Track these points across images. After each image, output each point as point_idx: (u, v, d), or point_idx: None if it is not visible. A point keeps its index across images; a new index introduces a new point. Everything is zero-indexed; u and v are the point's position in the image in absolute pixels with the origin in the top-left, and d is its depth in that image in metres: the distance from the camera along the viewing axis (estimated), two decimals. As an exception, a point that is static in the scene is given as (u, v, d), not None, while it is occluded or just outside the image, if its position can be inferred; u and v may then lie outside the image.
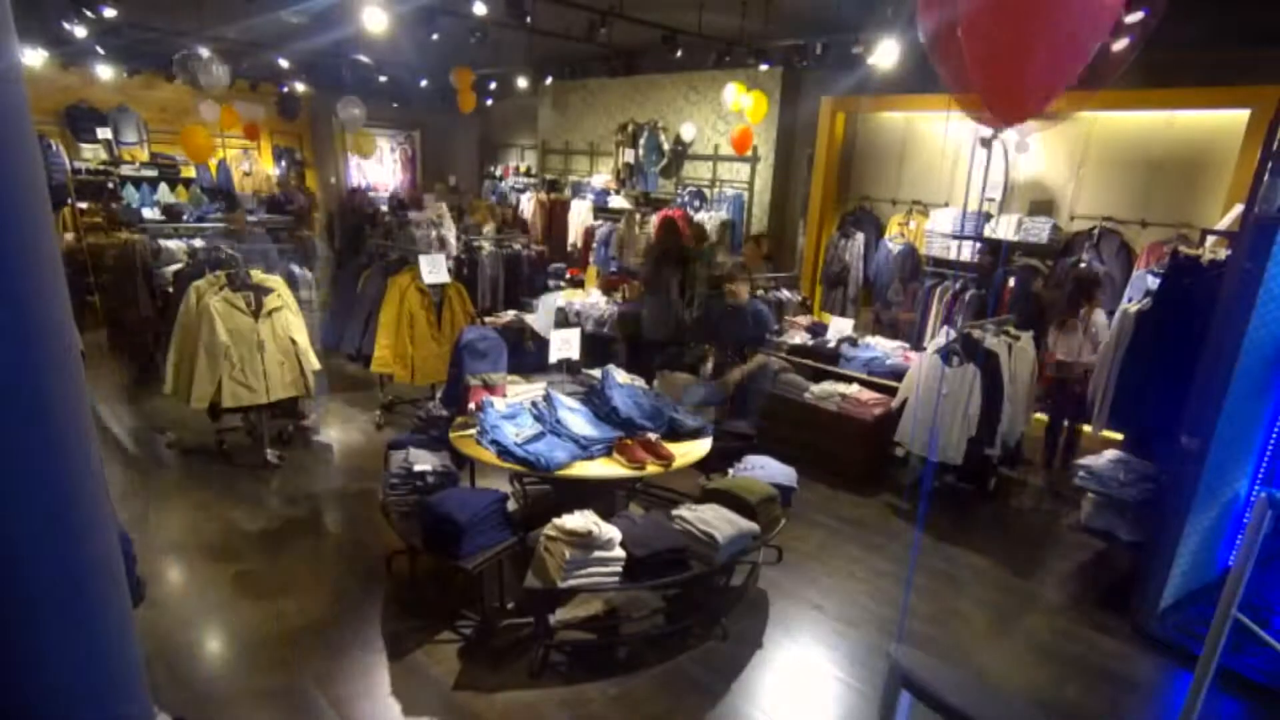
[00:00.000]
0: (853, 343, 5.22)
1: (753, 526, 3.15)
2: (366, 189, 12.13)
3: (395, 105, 11.11)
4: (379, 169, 13.27)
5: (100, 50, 8.10)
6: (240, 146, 10.89)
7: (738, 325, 4.70)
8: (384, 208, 9.64)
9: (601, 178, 9.10)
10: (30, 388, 0.62)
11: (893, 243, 6.49)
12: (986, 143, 2.89)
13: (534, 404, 3.46)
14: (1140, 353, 3.54)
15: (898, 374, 4.80)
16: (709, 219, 7.44)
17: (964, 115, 2.36)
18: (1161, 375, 3.44)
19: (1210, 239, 3.69)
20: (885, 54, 5.32)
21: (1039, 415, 5.04)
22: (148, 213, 8.05)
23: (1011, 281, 5.48)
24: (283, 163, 11.82)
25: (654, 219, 7.34)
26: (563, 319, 6.32)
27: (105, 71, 8.80)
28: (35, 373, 0.62)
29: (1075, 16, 1.83)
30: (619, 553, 2.87)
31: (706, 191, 8.01)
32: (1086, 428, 4.59)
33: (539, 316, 6.32)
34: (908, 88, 5.80)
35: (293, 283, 5.08)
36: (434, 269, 4.91)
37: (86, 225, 7.92)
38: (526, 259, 7.41)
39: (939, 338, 4.45)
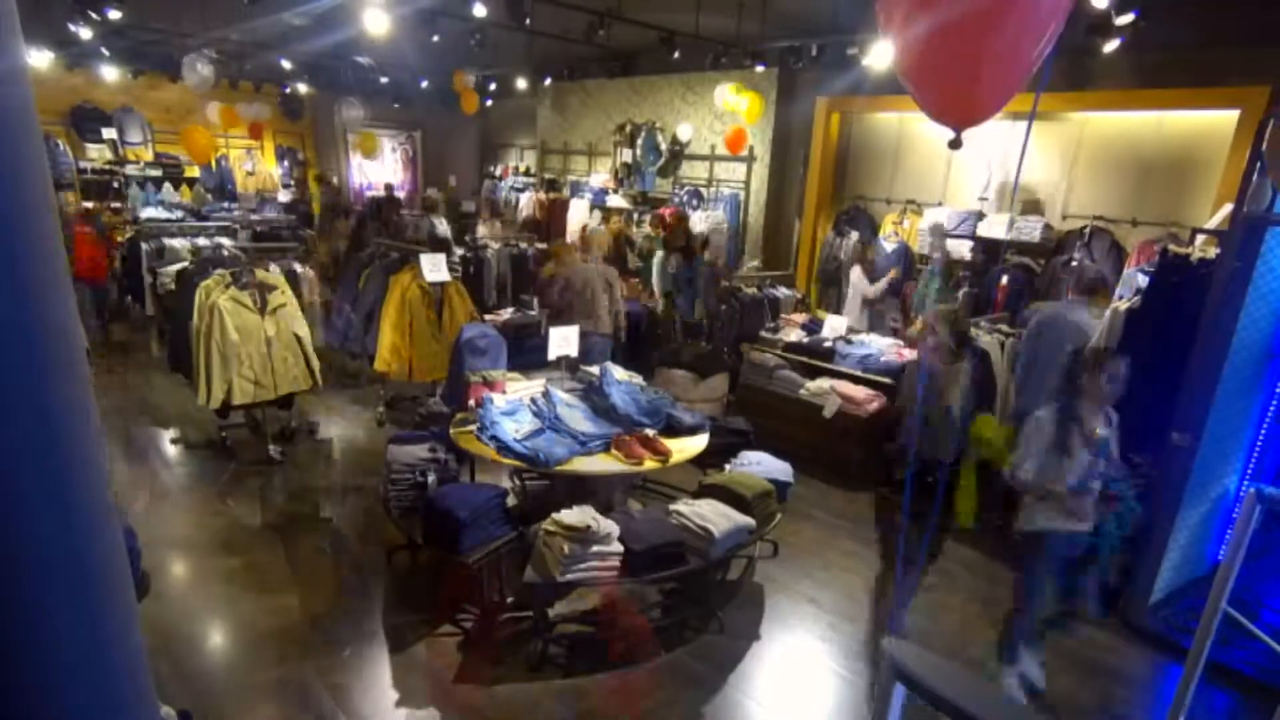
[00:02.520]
0: (848, 340, 5.26)
1: (749, 521, 3.19)
2: (368, 188, 12.19)
3: (396, 106, 11.18)
4: (380, 168, 13.33)
5: (105, 51, 8.16)
6: (244, 146, 10.97)
7: None
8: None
9: (600, 177, 9.15)
10: (36, 385, 0.62)
11: (887, 241, 6.54)
12: (954, 144, 2.87)
13: (533, 400, 3.51)
14: (1130, 350, 3.57)
15: (892, 371, 4.84)
16: (705, 218, 7.50)
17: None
18: (1151, 372, 3.47)
19: (1200, 238, 3.72)
20: (879, 55, 5.37)
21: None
22: (152, 211, 8.13)
23: (1004, 280, 5.52)
24: (285, 163, 11.90)
25: (650, 218, 7.40)
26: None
27: (110, 72, 8.88)
28: (41, 371, 0.63)
29: (1017, 36, 1.87)
30: (617, 547, 2.92)
31: (704, 191, 8.06)
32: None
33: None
34: (901, 88, 5.84)
35: (294, 281, 5.13)
36: (434, 267, 4.96)
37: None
38: (532, 258, 7.45)
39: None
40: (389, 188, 10.72)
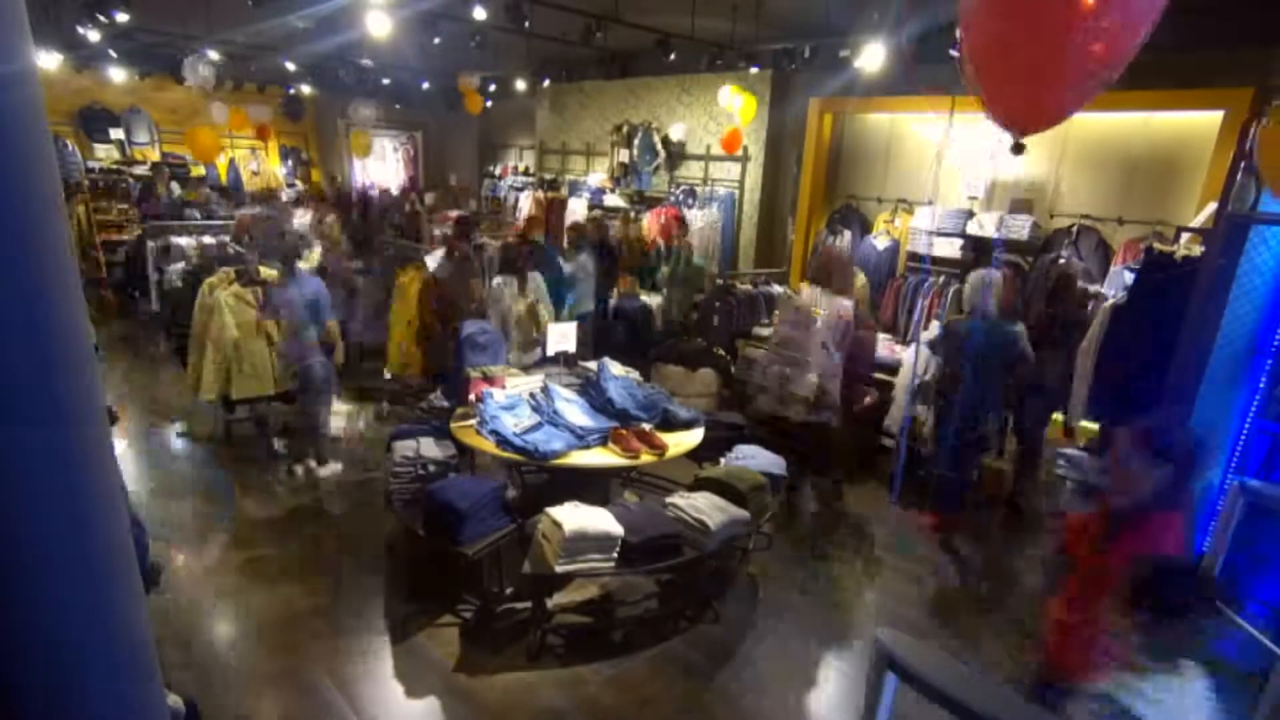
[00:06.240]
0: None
1: (743, 514, 3.24)
2: (371, 187, 12.27)
3: (398, 106, 11.26)
4: (382, 168, 13.42)
5: (113, 54, 8.27)
6: (248, 146, 11.07)
7: None
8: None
9: (597, 177, 9.23)
10: (46, 380, 0.63)
11: (878, 240, 6.61)
12: (1019, 149, 2.88)
13: (532, 395, 3.57)
14: (1117, 345, 3.64)
15: (884, 366, 4.91)
16: (700, 216, 7.57)
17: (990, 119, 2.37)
18: (1137, 367, 3.54)
19: (1184, 236, 3.79)
20: (871, 57, 5.43)
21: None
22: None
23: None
24: (289, 162, 11.99)
25: (647, 216, 7.47)
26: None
27: (118, 74, 8.97)
28: (51, 366, 0.64)
29: (1101, 51, 1.91)
30: (614, 539, 2.97)
31: (699, 190, 8.14)
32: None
33: None
34: (893, 90, 5.92)
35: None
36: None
37: (100, 222, 8.08)
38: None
39: (927, 331, 4.55)
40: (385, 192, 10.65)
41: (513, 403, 3.49)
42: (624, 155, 8.86)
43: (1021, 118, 2.15)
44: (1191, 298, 3.24)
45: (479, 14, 5.78)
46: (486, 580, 3.30)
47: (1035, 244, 5.66)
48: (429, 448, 3.50)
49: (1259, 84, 4.24)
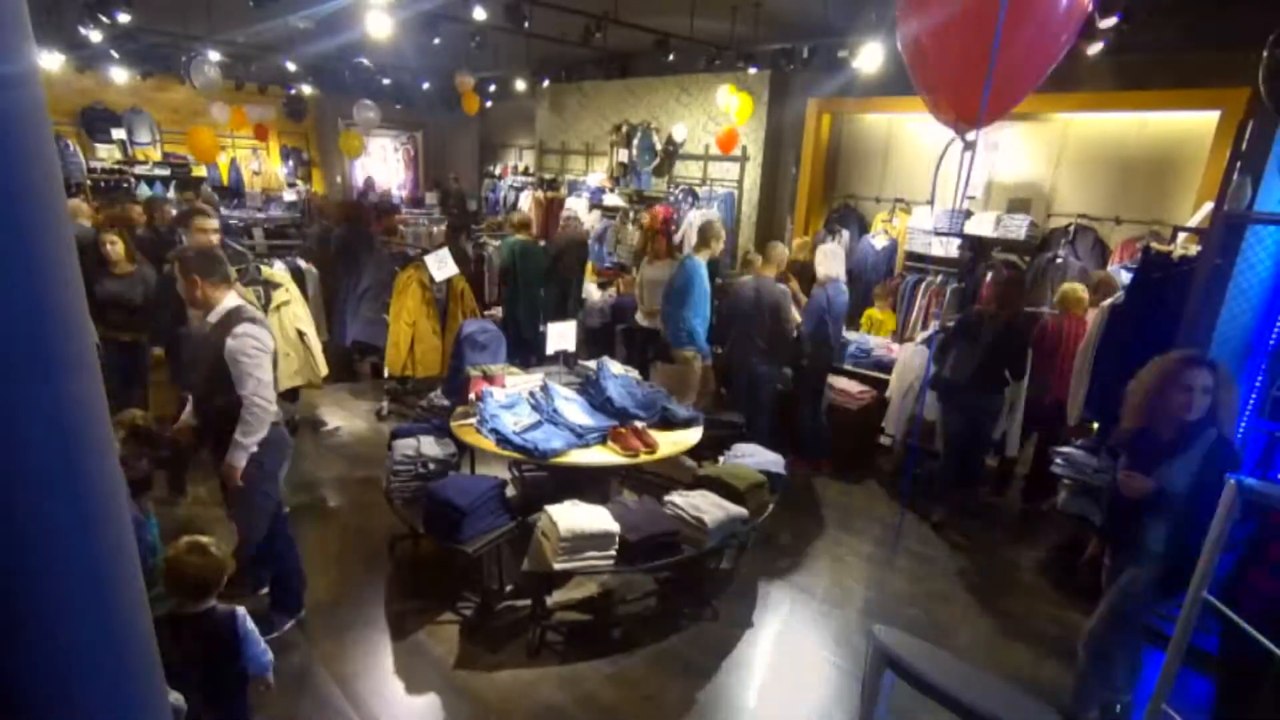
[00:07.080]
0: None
1: (741, 511, 3.26)
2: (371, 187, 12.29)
3: (398, 107, 11.28)
4: (383, 168, 13.44)
5: (115, 54, 8.29)
6: (249, 146, 11.10)
7: None
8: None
9: (597, 176, 9.24)
10: (48, 377, 0.64)
11: (876, 239, 6.62)
12: (969, 145, 2.99)
13: (532, 394, 3.59)
14: (1114, 345, 3.66)
15: (882, 365, 4.93)
16: (700, 216, 7.58)
17: (936, 118, 2.46)
18: (1134, 367, 3.55)
19: (1181, 236, 3.80)
20: (869, 58, 5.45)
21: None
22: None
23: (989, 275, 5.61)
24: (290, 162, 12.02)
25: (645, 216, 7.49)
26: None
27: (120, 74, 9.00)
28: (53, 363, 0.64)
29: (1031, 40, 1.94)
30: (613, 536, 2.99)
31: (698, 190, 8.16)
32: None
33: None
34: (891, 90, 5.94)
35: (300, 278, 5.23)
36: (441, 264, 5.04)
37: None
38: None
39: (925, 330, 4.57)
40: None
41: (512, 401, 3.51)
42: (623, 155, 8.88)
43: (962, 116, 2.17)
44: (1188, 297, 3.25)
45: (479, 14, 5.80)
46: (486, 578, 3.32)
47: (1032, 243, 5.68)
48: (429, 446, 3.52)
49: (1254, 84, 4.24)
